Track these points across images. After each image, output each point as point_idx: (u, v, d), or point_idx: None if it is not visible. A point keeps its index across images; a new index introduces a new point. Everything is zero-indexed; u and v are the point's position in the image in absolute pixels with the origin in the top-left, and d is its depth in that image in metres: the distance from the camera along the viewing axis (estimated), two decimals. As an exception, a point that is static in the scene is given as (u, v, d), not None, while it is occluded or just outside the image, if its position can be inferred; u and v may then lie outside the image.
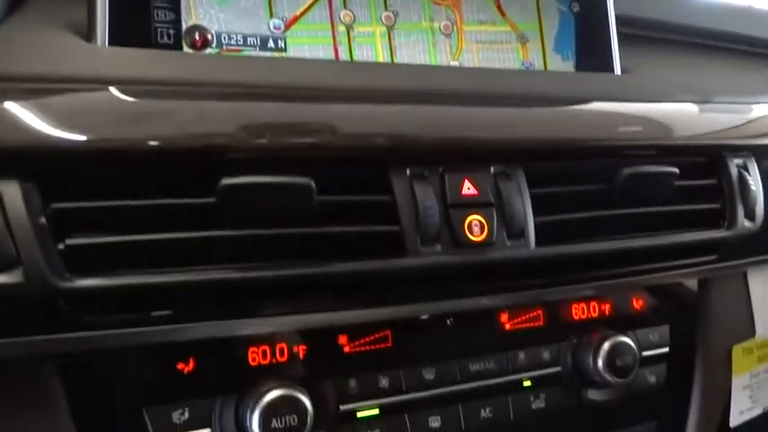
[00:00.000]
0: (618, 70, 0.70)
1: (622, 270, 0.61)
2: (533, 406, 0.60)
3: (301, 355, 0.53)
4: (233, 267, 0.46)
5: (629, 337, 0.63)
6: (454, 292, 0.54)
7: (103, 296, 0.43)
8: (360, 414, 0.54)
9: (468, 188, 0.53)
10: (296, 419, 0.48)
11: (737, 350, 0.73)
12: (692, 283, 0.71)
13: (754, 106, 0.74)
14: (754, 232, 0.67)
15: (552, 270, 0.58)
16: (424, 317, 0.57)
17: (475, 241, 0.53)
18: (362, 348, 0.55)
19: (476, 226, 0.53)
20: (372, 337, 0.55)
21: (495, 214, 0.54)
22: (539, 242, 0.55)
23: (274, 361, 0.52)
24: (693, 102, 0.68)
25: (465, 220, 0.53)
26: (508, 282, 0.56)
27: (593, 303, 0.65)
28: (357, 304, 0.51)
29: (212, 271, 0.46)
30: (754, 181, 0.68)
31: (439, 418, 0.56)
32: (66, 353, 0.45)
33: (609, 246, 0.59)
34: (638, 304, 0.67)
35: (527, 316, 0.61)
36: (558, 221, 0.57)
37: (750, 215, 0.67)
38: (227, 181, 0.45)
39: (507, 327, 0.60)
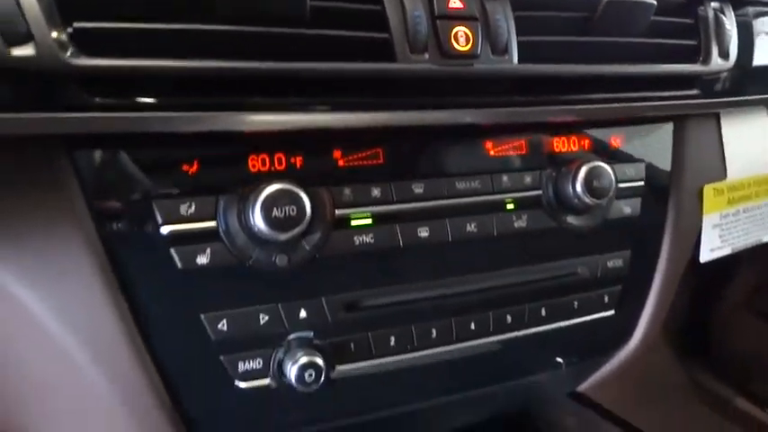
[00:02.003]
0: None
1: (601, 96, 0.65)
2: (515, 225, 0.64)
3: (298, 165, 0.56)
4: (230, 59, 0.49)
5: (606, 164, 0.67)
6: (440, 104, 0.58)
7: (111, 77, 0.46)
8: (354, 222, 0.58)
9: (454, 2, 0.56)
10: (295, 210, 0.52)
11: (708, 190, 0.77)
12: (668, 126, 0.74)
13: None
14: (727, 70, 0.71)
15: (533, 89, 0.61)
16: (413, 135, 0.60)
17: (461, 51, 0.56)
18: (355, 163, 0.58)
19: (461, 37, 0.56)
20: (365, 153, 0.58)
21: (480, 28, 0.57)
22: (521, 60, 0.59)
23: (273, 169, 0.55)
24: None
25: (451, 30, 0.56)
26: (492, 97, 0.60)
27: (573, 138, 0.68)
28: (348, 108, 0.55)
29: (210, 60, 0.49)
30: (730, 23, 0.71)
31: (427, 228, 0.60)
32: (76, 134, 0.48)
33: (588, 69, 0.63)
34: (615, 142, 0.70)
35: (510, 144, 0.64)
36: (539, 42, 0.60)
37: (724, 54, 0.71)
38: None
39: (492, 153, 0.64)
